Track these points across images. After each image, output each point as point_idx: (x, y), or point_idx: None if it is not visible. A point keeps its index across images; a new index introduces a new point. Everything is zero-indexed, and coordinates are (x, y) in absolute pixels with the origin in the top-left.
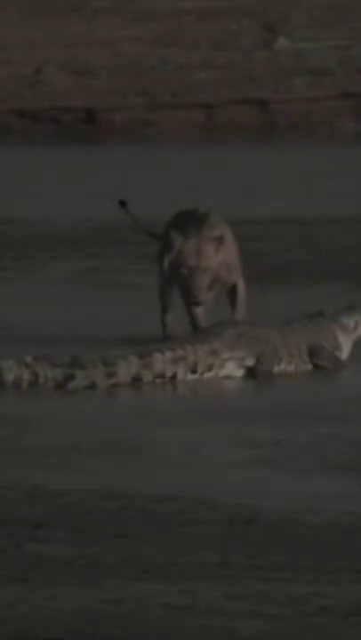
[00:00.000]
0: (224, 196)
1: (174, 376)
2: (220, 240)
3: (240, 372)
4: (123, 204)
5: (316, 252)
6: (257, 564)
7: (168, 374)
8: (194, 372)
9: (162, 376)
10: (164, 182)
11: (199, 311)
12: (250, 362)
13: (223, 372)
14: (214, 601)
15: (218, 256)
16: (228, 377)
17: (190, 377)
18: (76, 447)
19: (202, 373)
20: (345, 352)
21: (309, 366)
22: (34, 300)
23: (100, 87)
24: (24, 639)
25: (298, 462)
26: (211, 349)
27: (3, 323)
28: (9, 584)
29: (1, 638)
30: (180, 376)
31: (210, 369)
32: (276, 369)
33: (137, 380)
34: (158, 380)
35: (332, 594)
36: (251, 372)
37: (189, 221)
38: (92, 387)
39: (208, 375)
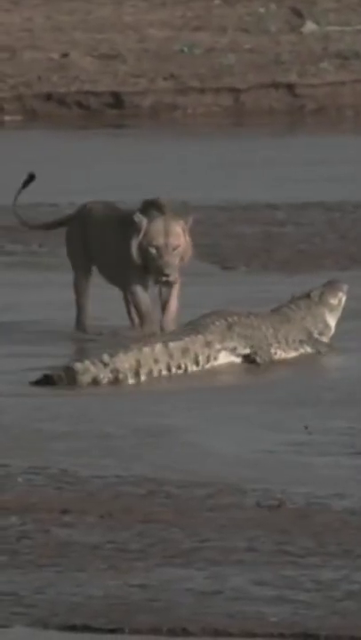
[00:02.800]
0: (251, 180)
1: (185, 368)
2: (185, 221)
3: (236, 361)
4: (30, 178)
5: (344, 237)
6: (284, 550)
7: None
8: (197, 363)
9: (178, 367)
10: (191, 166)
11: (173, 292)
12: (244, 351)
13: (218, 363)
14: (242, 586)
15: (185, 236)
16: (226, 366)
17: (194, 369)
18: (103, 433)
19: (202, 365)
20: (332, 330)
21: (300, 353)
22: (63, 286)
23: (126, 71)
24: (52, 625)
25: (325, 447)
26: (205, 341)
27: (34, 309)
28: (37, 569)
29: (29, 624)
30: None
31: (208, 360)
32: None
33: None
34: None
35: (360, 579)
36: (248, 360)
37: (151, 206)
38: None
39: (207, 366)
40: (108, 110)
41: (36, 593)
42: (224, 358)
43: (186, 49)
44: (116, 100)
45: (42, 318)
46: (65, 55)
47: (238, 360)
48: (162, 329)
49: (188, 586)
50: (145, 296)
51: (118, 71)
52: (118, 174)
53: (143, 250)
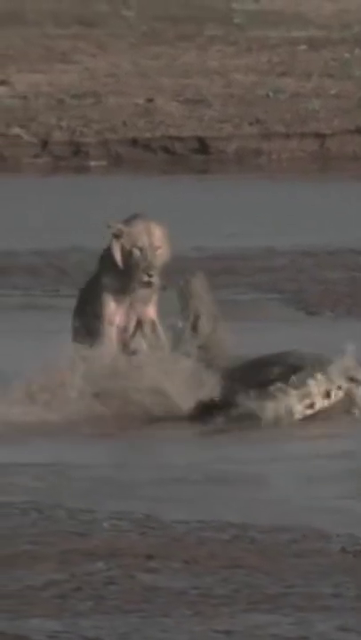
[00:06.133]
0: (336, 225)
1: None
2: (164, 228)
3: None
4: None
5: None
6: None
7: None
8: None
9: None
10: (276, 211)
11: (152, 310)
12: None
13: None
14: (327, 633)
15: (165, 242)
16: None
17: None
18: (186, 478)
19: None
20: None
21: None
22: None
23: (212, 116)
24: None
25: None
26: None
27: None
28: (123, 615)
29: None
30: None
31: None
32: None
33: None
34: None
35: None
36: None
37: (130, 217)
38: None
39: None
40: (194, 155)
41: (122, 639)
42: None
43: (271, 94)
44: (202, 145)
45: None
46: (150, 100)
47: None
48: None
49: (274, 632)
50: (112, 345)
51: (203, 116)
52: (203, 219)
53: (126, 253)
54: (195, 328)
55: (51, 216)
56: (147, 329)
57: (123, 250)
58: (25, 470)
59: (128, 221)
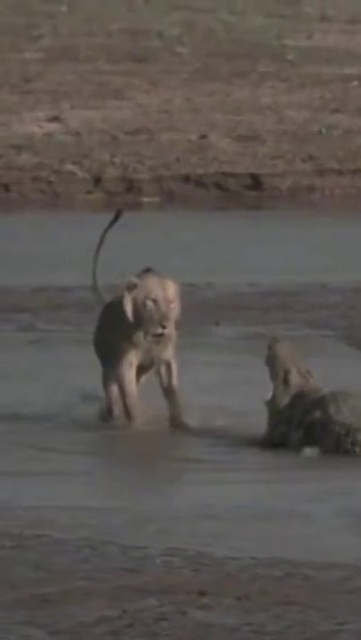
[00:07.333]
0: None
1: None
2: (175, 286)
3: None
4: (117, 215)
5: None
6: None
7: None
8: None
9: None
10: (330, 248)
11: (169, 352)
12: None
13: None
14: None
15: (178, 298)
16: None
17: None
18: (238, 515)
19: None
20: None
21: None
22: (198, 364)
23: (265, 153)
24: None
25: None
26: None
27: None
28: None
29: None
30: None
31: None
32: None
33: None
34: None
35: None
36: None
37: (141, 272)
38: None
39: None
40: (247, 192)
41: None
42: None
43: (324, 130)
44: (255, 182)
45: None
46: (203, 137)
47: None
48: (174, 423)
49: None
50: (132, 389)
51: (257, 152)
52: (257, 256)
53: (140, 305)
54: (286, 381)
55: (103, 252)
56: (162, 369)
57: (134, 303)
58: (79, 507)
59: (141, 275)
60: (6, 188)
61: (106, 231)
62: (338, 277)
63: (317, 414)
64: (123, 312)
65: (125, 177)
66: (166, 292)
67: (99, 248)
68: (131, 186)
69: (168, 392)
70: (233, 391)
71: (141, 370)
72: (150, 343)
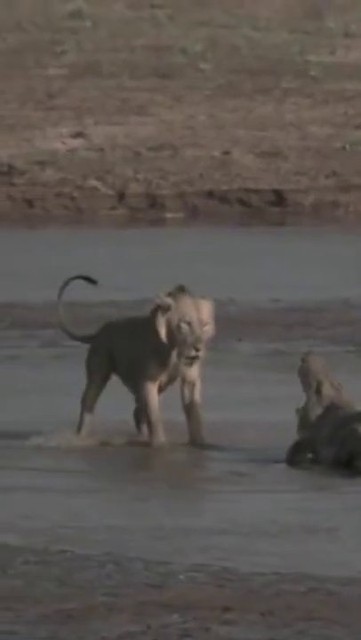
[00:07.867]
0: None
1: None
2: (210, 305)
3: None
4: (91, 281)
5: None
6: None
7: None
8: None
9: None
10: (353, 264)
11: (196, 371)
12: None
13: None
14: None
15: (211, 319)
16: None
17: None
18: (262, 530)
19: None
20: None
21: None
22: (219, 380)
23: (288, 169)
24: None
25: None
26: None
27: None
28: None
29: None
30: None
31: None
32: None
33: None
34: None
35: None
36: None
37: (174, 290)
38: None
39: None
40: (270, 208)
41: None
42: None
43: (347, 146)
44: (278, 198)
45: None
46: (227, 153)
47: None
48: (194, 440)
49: None
50: (156, 405)
51: (280, 169)
52: (280, 272)
53: (174, 327)
54: (319, 392)
55: (126, 268)
56: (186, 390)
57: (169, 324)
58: (103, 524)
59: (174, 294)
60: (30, 203)
61: (66, 283)
62: None
63: (355, 429)
64: (155, 332)
65: (149, 193)
66: (200, 314)
67: (61, 292)
68: (154, 202)
69: (190, 408)
70: (255, 408)
71: (161, 386)
72: (182, 365)
